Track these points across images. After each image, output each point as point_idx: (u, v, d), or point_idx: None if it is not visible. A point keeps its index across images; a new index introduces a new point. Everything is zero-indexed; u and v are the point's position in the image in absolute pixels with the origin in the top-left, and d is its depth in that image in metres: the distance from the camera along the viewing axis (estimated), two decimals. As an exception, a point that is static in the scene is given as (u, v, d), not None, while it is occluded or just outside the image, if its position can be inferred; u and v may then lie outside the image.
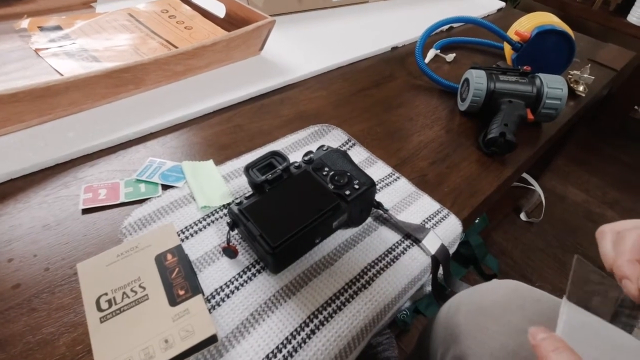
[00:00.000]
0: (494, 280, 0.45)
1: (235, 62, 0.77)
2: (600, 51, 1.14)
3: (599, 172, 1.70)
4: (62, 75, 0.63)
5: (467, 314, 0.43)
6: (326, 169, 0.46)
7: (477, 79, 0.72)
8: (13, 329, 0.37)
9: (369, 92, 0.80)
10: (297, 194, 0.44)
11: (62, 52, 0.67)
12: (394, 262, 0.48)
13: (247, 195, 0.44)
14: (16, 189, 0.49)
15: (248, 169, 0.45)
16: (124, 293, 0.38)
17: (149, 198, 0.50)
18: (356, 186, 0.45)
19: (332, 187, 0.45)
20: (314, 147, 0.61)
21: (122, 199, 0.49)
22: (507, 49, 0.92)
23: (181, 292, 0.38)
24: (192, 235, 0.47)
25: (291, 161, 0.47)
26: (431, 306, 0.85)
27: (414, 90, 0.83)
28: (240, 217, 0.42)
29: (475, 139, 0.72)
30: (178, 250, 0.41)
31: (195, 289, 0.38)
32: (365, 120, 0.71)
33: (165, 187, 0.52)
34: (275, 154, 0.47)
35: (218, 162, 0.56)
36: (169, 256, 0.41)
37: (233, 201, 0.51)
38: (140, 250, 0.41)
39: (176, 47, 0.74)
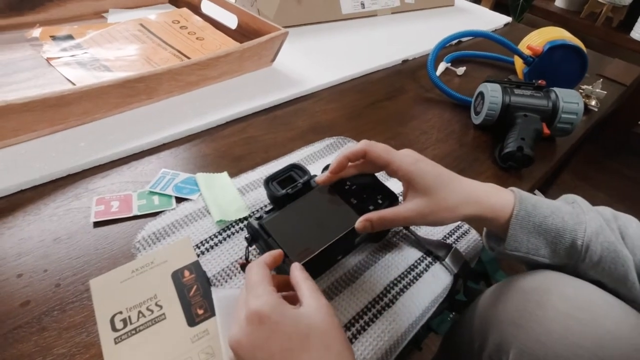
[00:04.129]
0: (531, 271, 0.43)
1: (247, 73, 0.76)
2: (607, 66, 1.14)
3: (604, 187, 1.70)
4: (74, 84, 0.62)
5: (507, 301, 0.41)
6: (347, 182, 0.45)
7: (492, 92, 0.71)
8: (22, 350, 0.35)
9: (381, 104, 0.79)
10: (318, 209, 0.43)
11: (74, 62, 0.66)
12: (416, 280, 0.46)
13: (266, 209, 0.43)
14: (26, 200, 0.47)
15: (268, 182, 0.44)
16: (139, 312, 0.36)
17: (163, 211, 0.48)
18: (379, 201, 0.43)
19: (355, 201, 0.43)
20: (329, 160, 0.60)
21: (135, 212, 0.48)
22: (518, 63, 0.92)
23: (200, 312, 0.36)
24: (207, 250, 0.45)
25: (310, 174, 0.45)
26: (444, 323, 0.82)
27: (426, 104, 0.83)
28: (261, 232, 0.40)
29: (491, 153, 0.71)
30: (195, 267, 0.40)
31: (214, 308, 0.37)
32: (380, 133, 0.71)
33: (179, 200, 0.50)
34: (295, 167, 0.46)
35: (232, 175, 0.55)
36: (187, 273, 0.39)
37: (250, 215, 0.50)
38: (156, 266, 0.39)
39: (188, 58, 0.74)
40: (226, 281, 0.42)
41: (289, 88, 0.75)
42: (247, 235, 0.43)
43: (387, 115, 0.77)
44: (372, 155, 0.41)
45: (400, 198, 0.48)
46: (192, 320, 0.35)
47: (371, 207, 0.43)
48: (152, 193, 0.50)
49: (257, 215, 0.42)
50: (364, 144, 0.41)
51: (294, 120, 0.70)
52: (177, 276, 0.39)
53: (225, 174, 0.55)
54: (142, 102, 0.62)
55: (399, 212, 0.39)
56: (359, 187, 0.44)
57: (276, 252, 0.36)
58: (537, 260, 0.40)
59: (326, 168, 0.46)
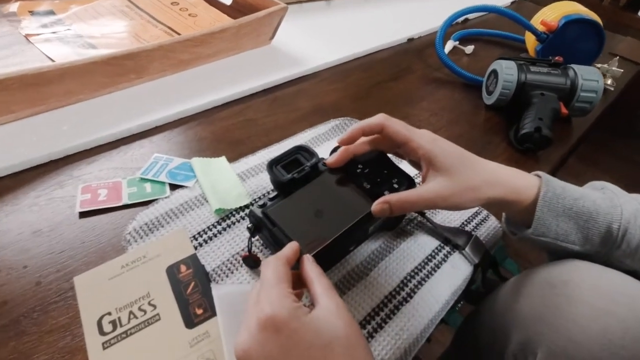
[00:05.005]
0: (557, 261, 0.39)
1: (244, 51, 0.71)
2: (619, 45, 1.10)
3: (613, 173, 1.66)
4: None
5: (532, 295, 0.37)
6: (359, 165, 0.41)
7: (507, 69, 0.67)
8: (-2, 357, 0.31)
9: (387, 84, 0.75)
10: (328, 195, 0.38)
11: (55, 38, 0.61)
12: (434, 271, 0.42)
13: (270, 196, 0.38)
14: (3, 188, 0.43)
15: (272, 165, 0.39)
16: (130, 312, 0.32)
17: (156, 199, 0.44)
18: (395, 185, 0.39)
19: (368, 185, 0.39)
20: (334, 143, 0.56)
21: (125, 201, 0.43)
22: (530, 40, 0.87)
23: (199, 311, 0.32)
24: (205, 242, 0.41)
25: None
26: (454, 313, 0.78)
27: (434, 84, 0.78)
28: (265, 221, 0.36)
29: (505, 135, 0.67)
30: (193, 261, 0.36)
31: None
32: (388, 114, 0.66)
33: (174, 187, 0.46)
34: (301, 149, 0.41)
35: (231, 159, 0.50)
36: (183, 268, 0.35)
37: (251, 203, 0.45)
38: (148, 261, 0.35)
39: (180, 35, 0.68)
40: (227, 276, 0.38)
41: (289, 67, 0.70)
42: (249, 225, 0.39)
43: (394, 95, 0.72)
44: (389, 130, 0.37)
45: (417, 181, 0.44)
46: (190, 321, 0.32)
47: (386, 192, 0.39)
48: (144, 180, 0.46)
49: (260, 202, 0.38)
50: (382, 118, 0.37)
51: (296, 101, 0.65)
52: (172, 271, 0.34)
53: (223, 159, 0.50)
54: (132, 81, 0.57)
55: (419, 193, 0.35)
56: (372, 170, 0.40)
57: (294, 245, 0.32)
58: (567, 248, 0.37)
59: (335, 150, 0.42)
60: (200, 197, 0.45)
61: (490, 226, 0.48)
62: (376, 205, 0.35)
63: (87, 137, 0.49)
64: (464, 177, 0.36)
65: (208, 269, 0.38)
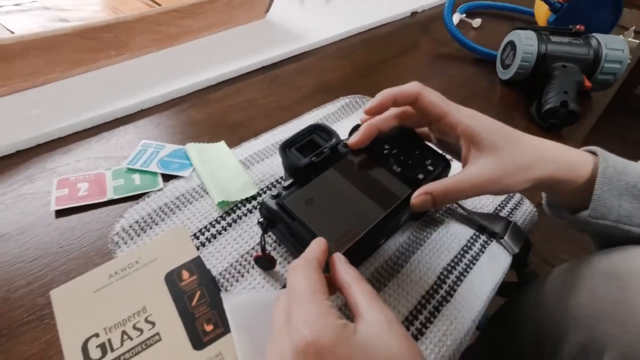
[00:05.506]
0: (615, 249, 0.34)
1: (237, 25, 0.64)
2: (626, 16, 1.05)
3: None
4: (20, 38, 0.49)
5: (593, 289, 0.32)
6: (386, 145, 0.35)
7: (527, 40, 0.61)
8: (-45, 398, 0.24)
9: (395, 60, 0.69)
10: (353, 181, 0.33)
11: (18, 10, 0.53)
12: (473, 264, 0.37)
13: (283, 184, 0.32)
14: (-40, 186, 0.36)
15: (285, 148, 0.33)
16: (123, 332, 0.26)
17: (147, 193, 0.38)
18: (430, 167, 0.34)
19: (399, 169, 0.33)
20: (347, 123, 0.50)
21: (111, 195, 0.37)
22: (541, 11, 0.82)
23: (208, 328, 0.26)
24: (209, 240, 0.35)
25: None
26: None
27: (444, 59, 0.72)
28: (281, 214, 0.30)
29: (524, 111, 0.62)
30: (197, 265, 0.29)
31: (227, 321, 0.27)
32: (400, 92, 0.60)
33: (167, 178, 0.39)
34: (318, 128, 0.35)
35: (231, 144, 0.44)
36: (185, 274, 0.29)
37: (259, 193, 0.39)
38: (142, 267, 0.29)
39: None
40: (237, 280, 0.32)
41: (288, 43, 0.64)
42: (260, 220, 0.32)
43: (404, 72, 0.66)
44: (425, 101, 0.31)
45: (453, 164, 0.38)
46: (199, 340, 0.26)
47: (420, 176, 0.33)
48: (131, 171, 0.39)
49: (274, 192, 0.31)
50: (417, 86, 0.32)
51: (298, 79, 0.58)
52: (172, 279, 0.28)
53: (222, 144, 0.44)
54: (112, 58, 0.49)
55: (468, 178, 0.30)
56: (401, 150, 0.35)
57: (322, 242, 0.26)
58: (629, 231, 0.32)
59: (355, 129, 0.36)
60: (199, 189, 0.39)
61: (525, 210, 0.43)
62: (416, 198, 0.30)
63: (62, 122, 0.42)
64: (513, 156, 0.31)
65: (214, 272, 0.32)
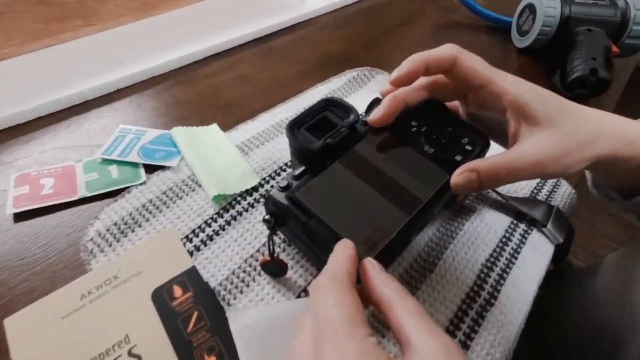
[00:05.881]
0: None
1: (224, -7, 0.56)
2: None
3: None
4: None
5: None
6: (413, 123, 0.29)
7: (548, 2, 0.55)
8: None
9: (401, 30, 0.62)
10: (378, 167, 0.27)
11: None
12: (515, 258, 0.32)
13: (292, 173, 0.26)
14: None
15: (293, 128, 0.27)
16: (101, 371, 0.20)
17: (127, 188, 0.31)
18: (468, 147, 0.28)
19: (431, 150, 0.28)
20: (356, 100, 0.44)
21: (83, 193, 0.30)
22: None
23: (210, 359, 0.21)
24: (205, 244, 0.29)
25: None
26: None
27: (454, 28, 0.66)
28: (294, 211, 0.24)
29: (547, 82, 0.56)
30: (192, 278, 0.24)
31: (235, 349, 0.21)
32: (410, 64, 0.54)
33: (151, 169, 0.33)
34: (331, 104, 0.29)
35: (225, 128, 0.38)
36: (178, 290, 0.23)
37: (261, 183, 0.33)
38: (123, 284, 0.23)
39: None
40: (242, 292, 0.26)
41: (282, 13, 0.57)
42: (267, 217, 0.26)
43: (412, 42, 0.60)
44: (464, 68, 0.26)
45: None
46: (199, 377, 0.20)
47: (458, 158, 0.27)
48: (107, 162, 0.33)
49: (282, 184, 0.26)
50: (454, 50, 0.26)
51: (296, 52, 0.52)
52: (161, 298, 0.23)
53: (215, 127, 0.38)
54: (79, 30, 0.42)
55: (520, 157, 0.25)
56: (433, 128, 0.29)
57: (349, 247, 0.21)
58: None
59: (374, 105, 0.30)
60: (190, 181, 0.33)
61: (564, 193, 0.38)
62: (459, 176, 0.24)
63: (21, 105, 0.35)
64: (571, 130, 0.25)
65: (213, 284, 0.26)
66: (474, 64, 0.26)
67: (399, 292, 0.19)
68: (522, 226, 0.34)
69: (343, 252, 0.20)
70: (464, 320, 0.27)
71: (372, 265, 0.20)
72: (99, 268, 0.24)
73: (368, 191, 0.25)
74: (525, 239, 0.33)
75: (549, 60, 0.59)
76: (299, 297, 0.27)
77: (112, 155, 0.33)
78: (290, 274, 0.28)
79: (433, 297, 0.28)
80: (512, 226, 0.34)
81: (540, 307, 0.40)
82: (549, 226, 0.34)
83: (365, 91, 0.45)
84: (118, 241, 0.28)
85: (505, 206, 0.35)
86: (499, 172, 0.24)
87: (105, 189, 0.31)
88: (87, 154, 0.34)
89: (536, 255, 0.33)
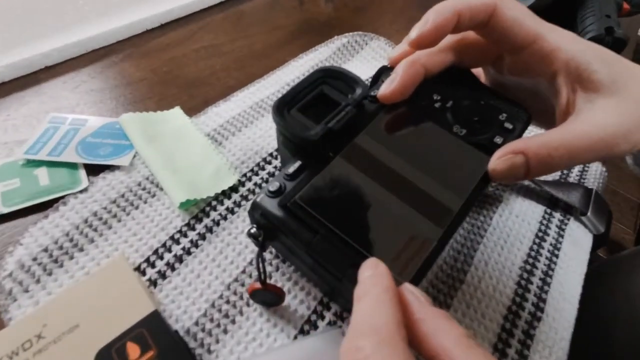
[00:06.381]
0: None
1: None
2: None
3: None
4: None
5: None
6: (436, 96, 0.22)
7: (555, -47, 0.49)
8: None
9: (391, -11, 0.55)
10: (397, 156, 0.20)
11: None
12: (555, 257, 0.27)
13: (287, 170, 0.19)
14: None
15: (282, 109, 0.21)
16: None
17: (62, 198, 0.23)
18: (507, 124, 0.22)
19: (463, 130, 0.21)
20: (351, 67, 0.36)
21: (-2, 209, 0.22)
22: None
23: None
24: (171, 268, 0.22)
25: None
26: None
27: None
28: (292, 224, 0.18)
29: (553, 45, 0.51)
30: (154, 327, 0.17)
31: None
32: (405, 29, 0.47)
33: (96, 171, 0.25)
34: (329, 74, 0.22)
35: (191, 111, 0.30)
36: (133, 349, 0.16)
37: (240, 180, 0.26)
38: (53, 344, 0.16)
39: None
40: (226, 331, 0.20)
41: (252, -30, 0.47)
42: (253, 230, 0.19)
43: (407, 4, 0.52)
44: (504, 19, 0.20)
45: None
46: None
47: (498, 140, 0.21)
48: (33, 163, 0.25)
49: (272, 186, 0.19)
50: None
51: (273, 17, 0.44)
52: (109, 364, 0.16)
53: (177, 111, 0.30)
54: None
55: (580, 132, 0.19)
56: (461, 102, 0.22)
57: (382, 270, 0.14)
58: None
59: (382, 74, 0.23)
60: (149, 184, 0.25)
61: (596, 174, 0.33)
62: (499, 160, 0.19)
63: None
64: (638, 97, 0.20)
65: (187, 324, 0.19)
66: (517, 14, 0.20)
67: (460, 339, 0.13)
68: (557, 215, 0.29)
69: (379, 284, 0.14)
70: (510, 343, 0.22)
71: (415, 298, 0.14)
72: (18, 323, 0.17)
73: (386, 190, 0.19)
74: (563, 230, 0.28)
75: (555, 20, 0.53)
76: (301, 330, 0.21)
77: (38, 154, 0.25)
78: (287, 300, 0.21)
79: (469, 317, 0.22)
80: (546, 216, 0.29)
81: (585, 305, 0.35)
82: (589, 214, 0.29)
83: (358, 60, 0.38)
84: (50, 274, 0.20)
85: (535, 192, 0.30)
86: (552, 153, 0.18)
87: (30, 201, 0.23)
88: (3, 154, 0.25)
89: (576, 249, 0.27)
